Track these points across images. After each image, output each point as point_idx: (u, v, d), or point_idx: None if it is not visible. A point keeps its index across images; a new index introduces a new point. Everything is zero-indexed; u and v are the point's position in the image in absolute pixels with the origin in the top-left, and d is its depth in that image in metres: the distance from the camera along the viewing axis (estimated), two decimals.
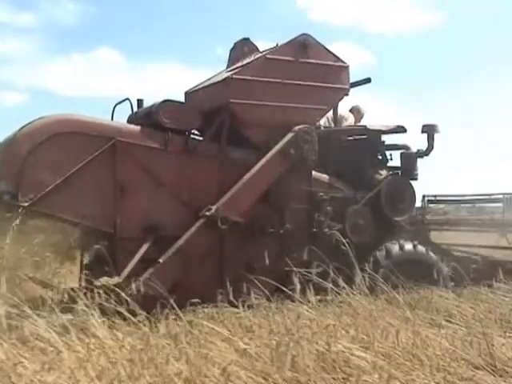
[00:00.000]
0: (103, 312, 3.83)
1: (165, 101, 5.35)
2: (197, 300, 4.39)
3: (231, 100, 5.50)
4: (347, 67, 6.01)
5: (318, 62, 5.83)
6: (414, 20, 36.57)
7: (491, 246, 6.99)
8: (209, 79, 6.30)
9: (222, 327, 3.75)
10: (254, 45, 6.36)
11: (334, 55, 5.93)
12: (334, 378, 3.00)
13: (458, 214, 8.72)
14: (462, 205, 8.88)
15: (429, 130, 6.16)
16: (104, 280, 4.74)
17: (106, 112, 5.95)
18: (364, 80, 6.63)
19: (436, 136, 6.18)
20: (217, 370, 2.98)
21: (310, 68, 5.78)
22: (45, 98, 32.82)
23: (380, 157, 6.41)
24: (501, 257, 6.61)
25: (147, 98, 5.80)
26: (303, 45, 5.75)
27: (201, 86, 6.23)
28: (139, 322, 3.76)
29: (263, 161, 5.42)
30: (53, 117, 5.06)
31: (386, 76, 32.67)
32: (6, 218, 4.54)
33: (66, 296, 4.56)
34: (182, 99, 6.20)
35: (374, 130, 6.30)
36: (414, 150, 6.35)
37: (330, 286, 4.35)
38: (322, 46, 5.88)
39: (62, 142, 4.91)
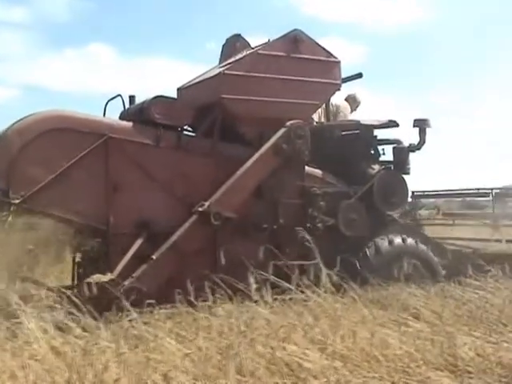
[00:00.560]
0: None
1: (157, 97, 5.32)
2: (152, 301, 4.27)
3: (223, 96, 5.48)
4: (339, 62, 6.02)
5: (310, 57, 5.83)
6: (406, 15, 36.72)
7: (483, 239, 7.01)
8: (201, 75, 6.28)
9: (180, 328, 3.68)
10: (246, 40, 6.35)
11: (325, 50, 5.93)
12: (283, 382, 2.93)
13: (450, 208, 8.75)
14: (454, 199, 8.92)
15: (420, 125, 6.17)
16: (96, 277, 4.72)
17: (98, 108, 5.93)
18: (355, 75, 6.64)
19: (428, 130, 6.20)
20: (158, 376, 2.90)
21: (302, 63, 5.78)
22: (37, 94, 32.68)
23: (372, 151, 6.42)
24: (494, 250, 6.62)
25: (140, 94, 5.80)
26: (295, 40, 5.75)
27: (193, 82, 6.21)
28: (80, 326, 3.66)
29: (256, 156, 5.41)
30: (44, 113, 5.03)
31: (378, 71, 32.76)
32: None
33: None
34: (175, 95, 6.18)
35: (366, 125, 6.32)
36: (406, 144, 6.36)
37: (288, 284, 4.32)
38: (314, 41, 5.89)
39: (54, 139, 4.88)
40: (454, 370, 3.14)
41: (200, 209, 5.14)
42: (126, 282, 4.72)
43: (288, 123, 5.55)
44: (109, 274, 4.74)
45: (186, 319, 4.04)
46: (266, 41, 5.98)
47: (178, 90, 6.30)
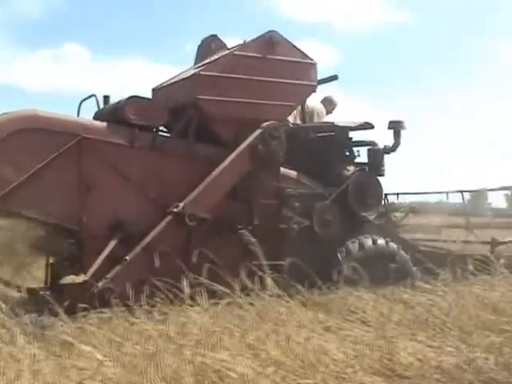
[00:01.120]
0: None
1: (131, 97, 5.29)
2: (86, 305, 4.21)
3: (199, 96, 5.48)
4: (315, 64, 6.06)
5: (286, 58, 5.85)
6: (381, 17, 37.06)
7: (456, 240, 7.09)
8: (176, 76, 6.27)
9: (112, 333, 3.57)
10: (222, 41, 6.36)
11: (301, 52, 5.96)
12: None
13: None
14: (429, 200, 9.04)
15: (395, 127, 6.24)
16: (70, 278, 4.68)
17: (72, 108, 5.88)
18: (331, 77, 6.69)
19: (403, 132, 6.27)
20: None
21: (278, 64, 5.81)
22: (11, 94, 32.21)
23: (347, 153, 6.46)
24: (468, 251, 6.70)
25: (114, 94, 5.75)
26: (270, 41, 5.77)
27: (168, 83, 6.20)
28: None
29: (231, 157, 5.41)
30: (16, 113, 4.97)
31: (353, 73, 32.98)
32: None
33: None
34: (150, 96, 6.16)
35: (341, 127, 6.35)
36: (381, 146, 6.42)
37: (221, 288, 4.26)
38: (290, 42, 5.91)
39: (26, 139, 4.83)
40: (390, 375, 3.07)
41: (175, 210, 5.11)
42: (100, 283, 4.69)
43: (263, 124, 5.57)
44: (82, 276, 4.71)
45: (124, 324, 3.92)
46: (242, 42, 5.99)
47: (153, 90, 6.28)
